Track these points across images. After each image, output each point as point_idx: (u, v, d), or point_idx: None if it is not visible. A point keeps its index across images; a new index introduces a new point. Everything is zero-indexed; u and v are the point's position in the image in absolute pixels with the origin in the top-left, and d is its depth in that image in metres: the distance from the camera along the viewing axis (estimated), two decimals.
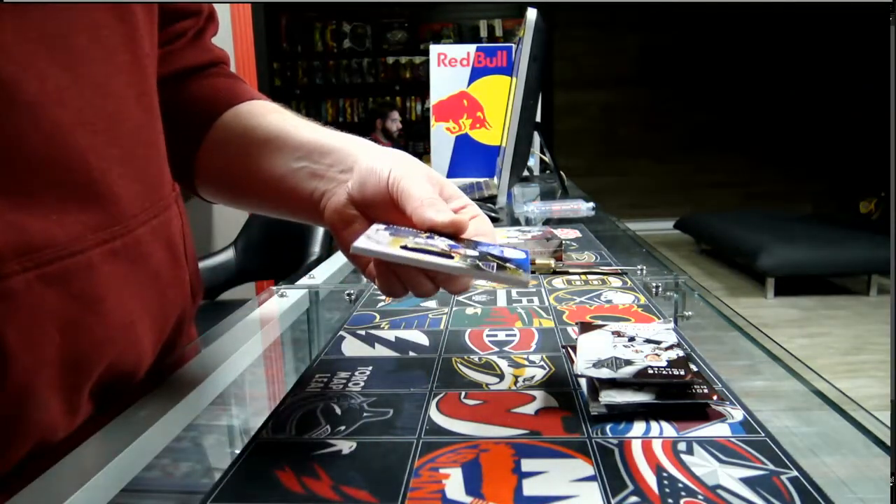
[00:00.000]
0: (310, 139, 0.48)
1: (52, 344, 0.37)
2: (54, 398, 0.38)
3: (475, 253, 0.38)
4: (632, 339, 0.43)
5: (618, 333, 0.44)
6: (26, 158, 0.35)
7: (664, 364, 0.39)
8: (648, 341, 0.43)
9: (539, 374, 0.44)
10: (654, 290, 0.64)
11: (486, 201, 1.24)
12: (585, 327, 0.46)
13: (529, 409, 0.38)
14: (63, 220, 0.37)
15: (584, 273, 0.70)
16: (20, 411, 0.36)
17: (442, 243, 0.38)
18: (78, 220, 0.38)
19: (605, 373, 0.38)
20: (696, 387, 0.37)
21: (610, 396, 0.37)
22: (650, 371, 0.38)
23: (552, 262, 0.72)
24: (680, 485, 0.30)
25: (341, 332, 0.54)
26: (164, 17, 0.50)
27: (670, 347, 0.41)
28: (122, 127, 0.42)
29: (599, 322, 0.51)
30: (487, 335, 0.52)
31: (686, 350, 0.43)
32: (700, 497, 0.29)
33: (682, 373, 0.37)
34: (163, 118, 0.50)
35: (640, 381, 0.37)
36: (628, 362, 0.39)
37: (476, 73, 1.68)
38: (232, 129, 0.52)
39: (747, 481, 0.30)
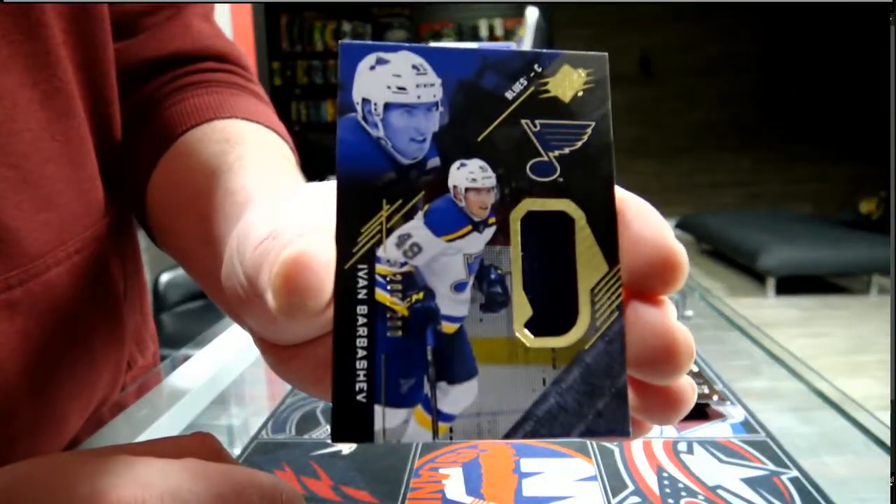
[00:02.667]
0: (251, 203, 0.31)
1: None
2: None
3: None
4: None
5: None
6: None
7: None
8: None
9: None
10: None
11: None
12: None
13: None
14: None
15: None
16: None
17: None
18: None
19: None
20: (696, 387, 0.37)
21: None
22: None
23: None
24: (680, 485, 0.30)
25: None
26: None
27: None
28: (14, 142, 0.32)
29: None
30: None
31: None
32: (700, 497, 0.29)
33: None
34: (128, 134, 0.40)
35: None
36: None
37: None
38: (167, 176, 0.38)
39: (748, 481, 0.30)
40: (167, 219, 0.38)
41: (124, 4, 0.40)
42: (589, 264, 0.17)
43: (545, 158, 0.18)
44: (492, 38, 5.45)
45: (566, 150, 0.18)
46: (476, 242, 0.17)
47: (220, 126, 0.38)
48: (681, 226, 4.77)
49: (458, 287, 0.17)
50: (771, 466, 0.31)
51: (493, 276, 0.17)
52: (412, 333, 0.17)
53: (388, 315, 0.16)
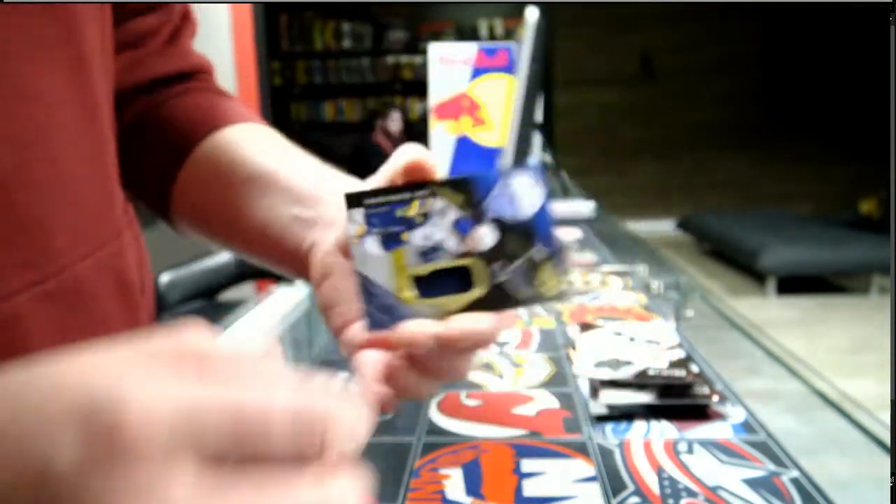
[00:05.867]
0: (299, 182, 0.41)
1: None
2: None
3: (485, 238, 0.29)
4: (632, 339, 0.43)
5: (618, 334, 0.44)
6: None
7: (665, 364, 0.39)
8: (649, 342, 0.43)
9: (539, 374, 0.44)
10: (654, 290, 0.64)
11: None
12: (586, 327, 0.46)
13: (529, 409, 0.38)
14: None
15: (585, 273, 0.70)
16: None
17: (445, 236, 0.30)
18: (5, 262, 0.31)
19: (605, 373, 0.38)
20: (696, 387, 0.37)
21: (610, 396, 0.37)
22: (650, 372, 0.38)
23: None
24: (680, 485, 0.30)
25: None
26: (118, 11, 0.43)
27: (671, 348, 0.41)
28: (52, 140, 0.35)
29: (600, 322, 0.51)
30: None
31: (686, 350, 0.43)
32: (700, 497, 0.29)
33: (683, 373, 0.37)
34: (137, 139, 0.44)
35: (640, 381, 0.37)
36: (629, 363, 0.39)
37: (476, 73, 1.68)
38: (213, 161, 0.45)
39: (748, 481, 0.30)
40: (215, 209, 0.45)
41: (134, 24, 0.46)
42: None
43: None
44: (492, 38, 5.46)
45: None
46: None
47: (241, 130, 0.47)
48: (681, 226, 4.77)
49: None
50: (771, 467, 0.31)
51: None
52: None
53: None
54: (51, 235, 0.34)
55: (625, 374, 0.38)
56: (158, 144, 0.46)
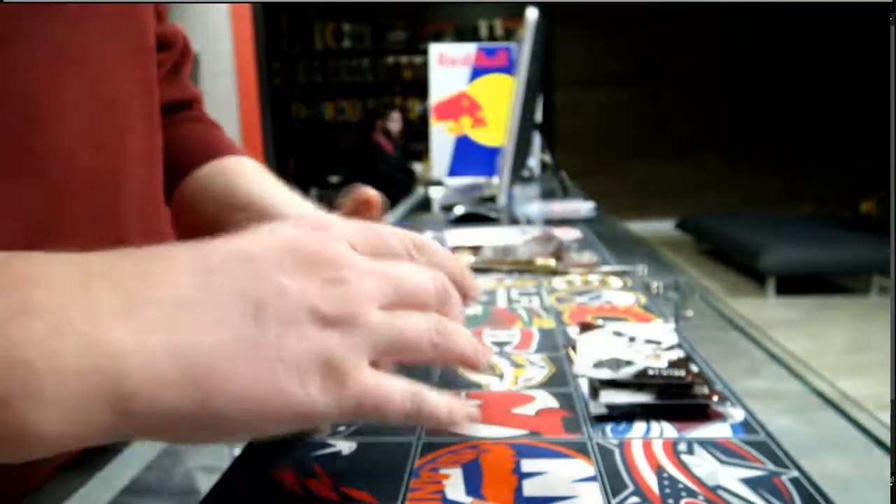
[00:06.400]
0: (292, 213, 0.47)
1: None
2: None
3: None
4: (632, 339, 0.43)
5: (618, 334, 0.44)
6: (39, 175, 0.34)
7: (665, 364, 0.39)
8: (649, 342, 0.43)
9: (539, 374, 0.44)
10: (654, 290, 0.64)
11: (487, 201, 1.24)
12: (586, 327, 0.46)
13: (529, 409, 0.38)
14: (78, 244, 0.35)
15: (585, 273, 0.70)
16: None
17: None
18: (82, 245, 0.35)
19: (605, 373, 0.38)
20: (696, 387, 0.37)
21: (610, 396, 0.37)
22: (650, 372, 0.38)
23: (552, 262, 0.72)
24: (680, 485, 0.30)
25: None
26: None
27: (671, 348, 0.41)
28: (128, 144, 0.40)
29: (600, 322, 0.51)
30: (487, 335, 0.52)
31: (686, 350, 0.43)
32: (700, 497, 0.29)
33: (683, 373, 0.37)
34: None
35: (640, 381, 0.37)
36: (629, 363, 0.39)
37: (476, 73, 1.68)
38: (210, 187, 0.51)
39: (747, 481, 0.30)
40: (208, 229, 0.47)
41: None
42: None
43: None
44: (492, 38, 5.46)
45: None
46: None
47: (235, 161, 0.53)
48: (681, 226, 4.77)
49: None
50: (771, 466, 0.31)
51: None
52: None
53: None
54: (126, 229, 0.40)
55: (625, 374, 0.38)
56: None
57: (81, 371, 0.21)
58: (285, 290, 0.24)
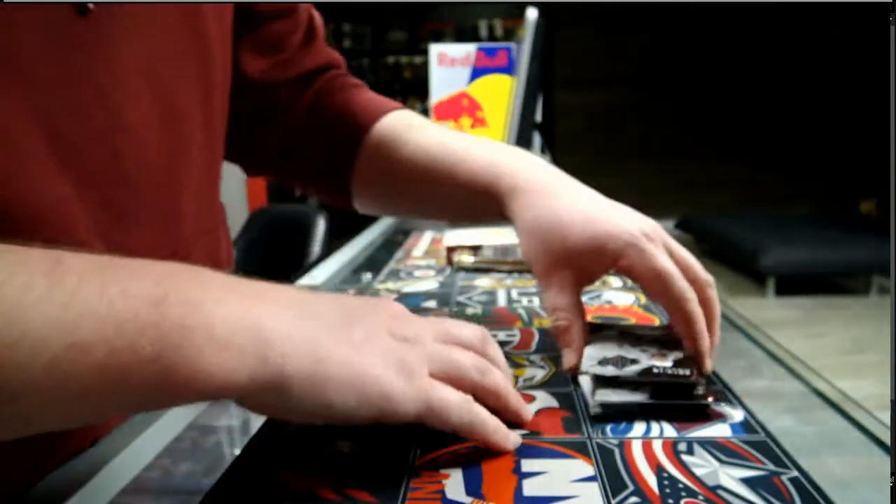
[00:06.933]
0: (476, 157, 0.50)
1: None
2: None
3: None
4: (632, 338, 0.43)
5: (618, 333, 0.44)
6: (123, 179, 0.39)
7: (670, 364, 0.39)
8: (654, 341, 0.43)
9: (539, 374, 0.44)
10: None
11: None
12: (592, 328, 0.45)
13: (529, 409, 0.38)
14: (143, 237, 0.41)
15: None
16: None
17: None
18: (147, 238, 0.42)
19: (609, 370, 0.38)
20: (696, 387, 0.37)
21: (610, 396, 0.37)
22: (651, 371, 0.38)
23: None
24: (680, 485, 0.30)
25: None
26: (253, 18, 0.53)
27: (676, 348, 0.41)
28: (190, 149, 0.45)
29: (608, 322, 0.51)
30: None
31: (687, 350, 0.43)
32: (700, 497, 0.29)
33: (688, 372, 0.37)
34: (301, 131, 0.54)
35: (644, 379, 0.37)
36: (634, 361, 0.39)
37: (476, 73, 1.68)
38: (389, 151, 0.54)
39: (747, 481, 0.30)
40: (403, 193, 0.55)
41: (269, 30, 0.54)
42: None
43: None
44: (492, 38, 5.45)
45: None
46: None
47: (398, 117, 0.56)
48: (681, 226, 4.77)
49: None
50: (771, 466, 0.31)
51: None
52: None
53: None
54: (180, 223, 0.44)
55: (625, 373, 0.38)
56: (330, 136, 0.56)
57: (241, 328, 0.28)
58: (368, 316, 0.33)
